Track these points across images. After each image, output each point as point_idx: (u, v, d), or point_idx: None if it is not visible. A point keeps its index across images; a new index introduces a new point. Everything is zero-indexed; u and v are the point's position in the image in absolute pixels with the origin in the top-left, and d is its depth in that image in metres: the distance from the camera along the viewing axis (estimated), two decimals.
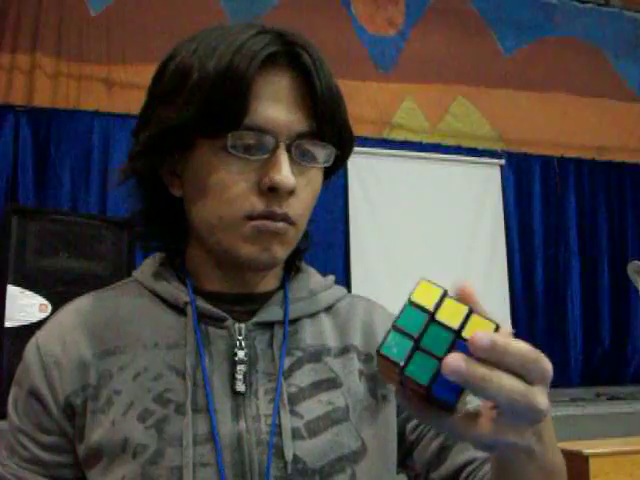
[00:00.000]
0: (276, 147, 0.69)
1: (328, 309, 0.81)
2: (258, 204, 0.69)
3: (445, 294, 0.49)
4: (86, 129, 4.37)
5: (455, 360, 0.45)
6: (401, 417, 0.77)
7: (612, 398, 4.19)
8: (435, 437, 0.76)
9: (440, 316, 0.48)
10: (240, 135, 0.68)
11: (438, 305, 0.49)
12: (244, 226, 0.69)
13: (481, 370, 0.45)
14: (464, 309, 0.48)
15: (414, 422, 0.77)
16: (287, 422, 0.70)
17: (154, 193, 0.77)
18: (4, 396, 0.75)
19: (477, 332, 0.46)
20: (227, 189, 0.69)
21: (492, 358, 0.46)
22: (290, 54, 0.69)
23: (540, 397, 0.47)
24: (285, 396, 0.71)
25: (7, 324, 2.49)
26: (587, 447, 2.74)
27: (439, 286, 0.50)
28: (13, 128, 4.26)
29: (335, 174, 0.79)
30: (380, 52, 5.25)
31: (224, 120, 0.67)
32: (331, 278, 0.85)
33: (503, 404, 0.47)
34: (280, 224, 0.70)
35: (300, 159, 0.70)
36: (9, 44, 4.36)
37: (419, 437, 0.77)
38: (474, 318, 0.48)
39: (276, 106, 0.69)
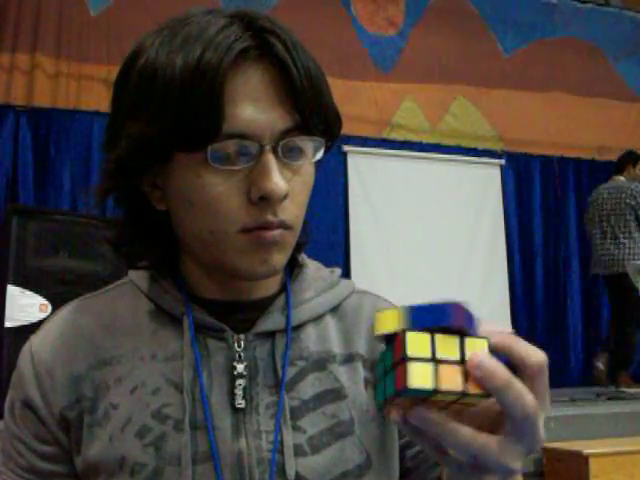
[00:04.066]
0: (261, 152, 0.63)
1: (334, 309, 0.76)
2: (251, 217, 0.64)
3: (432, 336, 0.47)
4: (86, 129, 4.38)
5: (416, 413, 0.46)
6: (401, 443, 0.75)
7: (612, 398, 4.18)
8: (432, 469, 0.74)
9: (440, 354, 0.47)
10: (220, 146, 0.62)
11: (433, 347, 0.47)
12: (238, 239, 0.65)
13: (439, 427, 0.46)
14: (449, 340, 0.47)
15: (414, 450, 0.74)
16: (289, 439, 0.67)
17: (136, 208, 0.71)
18: (4, 395, 0.74)
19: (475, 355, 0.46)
20: (215, 204, 0.64)
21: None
22: (262, 46, 0.63)
23: (506, 456, 0.47)
24: (287, 411, 0.68)
25: (7, 324, 2.48)
26: (587, 447, 2.74)
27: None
28: (13, 128, 4.26)
29: (330, 156, 0.73)
30: (380, 52, 5.25)
31: (200, 132, 0.61)
32: (337, 272, 0.80)
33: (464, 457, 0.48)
34: (277, 232, 0.65)
35: (288, 158, 0.65)
36: (9, 44, 4.36)
37: (416, 465, 0.75)
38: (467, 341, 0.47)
39: (255, 106, 0.63)
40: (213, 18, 0.64)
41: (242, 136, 0.63)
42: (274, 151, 0.64)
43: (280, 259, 0.67)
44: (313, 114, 0.65)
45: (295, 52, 0.64)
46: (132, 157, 0.65)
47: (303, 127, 0.65)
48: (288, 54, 0.63)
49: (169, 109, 0.62)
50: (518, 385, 0.46)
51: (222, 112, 0.61)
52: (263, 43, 0.63)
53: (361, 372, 0.74)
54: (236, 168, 0.63)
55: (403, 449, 0.75)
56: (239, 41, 0.62)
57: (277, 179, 0.63)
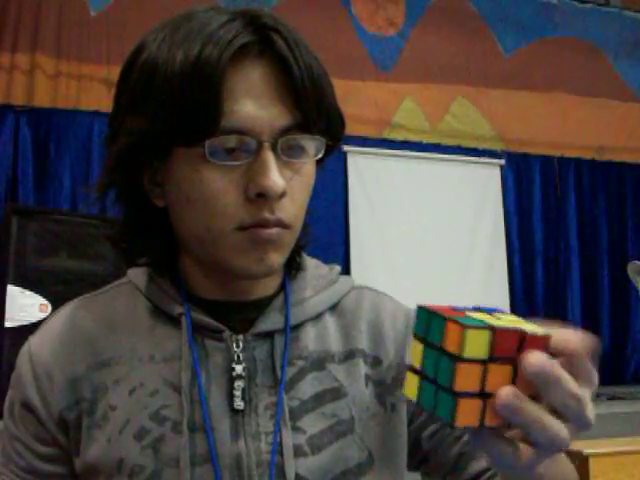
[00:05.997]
0: (260, 148, 0.63)
1: (332, 307, 0.76)
2: (248, 213, 0.63)
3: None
4: (86, 129, 4.37)
5: (506, 395, 0.43)
6: (415, 426, 0.74)
7: (612, 398, 4.18)
8: (452, 444, 0.73)
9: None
10: (218, 141, 0.62)
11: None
12: (235, 237, 0.64)
13: (531, 411, 0.43)
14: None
15: (430, 430, 0.74)
16: (289, 440, 0.67)
17: (136, 205, 0.71)
18: (3, 396, 0.74)
19: (530, 356, 0.43)
20: (212, 200, 0.63)
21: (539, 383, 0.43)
22: (263, 42, 0.63)
23: (566, 433, 0.45)
24: (286, 412, 0.67)
25: (7, 324, 2.48)
26: (587, 447, 2.73)
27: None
28: (13, 128, 4.25)
29: (330, 156, 0.72)
30: (380, 52, 5.24)
31: (199, 127, 0.61)
32: (336, 269, 0.80)
33: (541, 442, 0.45)
34: (274, 230, 0.64)
35: (288, 156, 0.64)
36: (9, 44, 4.35)
37: (436, 445, 0.74)
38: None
39: (254, 102, 0.62)
40: (216, 14, 0.64)
41: (241, 132, 0.62)
42: (273, 148, 0.63)
43: (277, 258, 0.66)
44: (314, 112, 0.65)
45: (297, 50, 0.64)
46: (131, 152, 0.65)
47: (304, 125, 0.65)
48: (290, 51, 0.63)
49: (168, 103, 0.62)
50: (548, 418, 0.44)
51: (220, 107, 0.61)
52: (265, 39, 0.63)
53: (362, 368, 0.73)
54: (234, 164, 0.63)
55: (419, 432, 0.74)
56: (240, 37, 0.62)
57: (275, 176, 0.62)
